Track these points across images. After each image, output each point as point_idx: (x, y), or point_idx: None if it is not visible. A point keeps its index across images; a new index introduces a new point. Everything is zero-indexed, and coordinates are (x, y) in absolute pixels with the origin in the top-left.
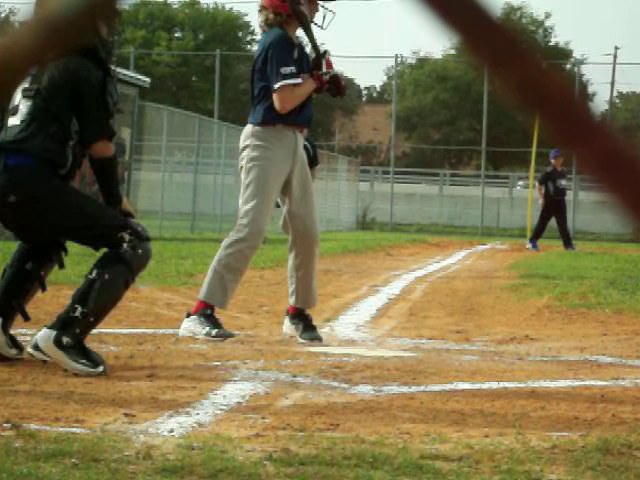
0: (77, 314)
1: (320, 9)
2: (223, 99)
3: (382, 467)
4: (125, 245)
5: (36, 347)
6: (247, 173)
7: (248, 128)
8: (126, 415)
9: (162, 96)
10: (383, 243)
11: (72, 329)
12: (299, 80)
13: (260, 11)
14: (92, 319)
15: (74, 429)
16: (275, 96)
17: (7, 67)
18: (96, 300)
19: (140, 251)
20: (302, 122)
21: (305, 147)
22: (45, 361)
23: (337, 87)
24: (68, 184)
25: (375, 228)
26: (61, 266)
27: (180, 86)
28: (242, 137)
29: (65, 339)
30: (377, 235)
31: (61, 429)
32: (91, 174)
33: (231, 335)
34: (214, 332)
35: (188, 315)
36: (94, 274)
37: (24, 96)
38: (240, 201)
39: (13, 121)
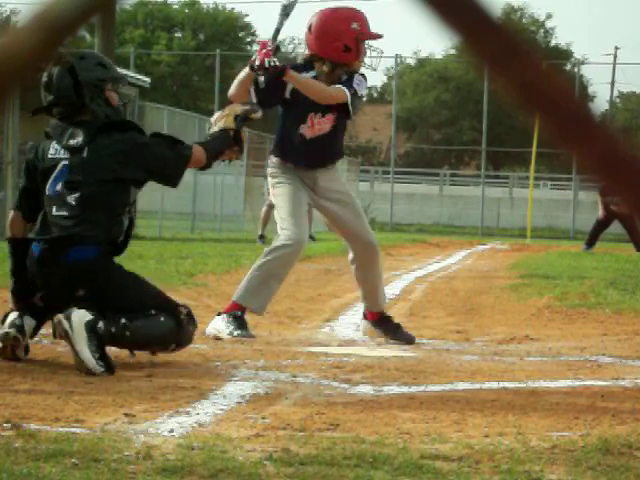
0: (121, 320)
1: (367, 51)
2: (223, 99)
3: (382, 467)
4: (182, 316)
5: (68, 317)
6: (275, 197)
7: (270, 159)
8: (126, 415)
9: (162, 96)
10: (383, 243)
11: (109, 326)
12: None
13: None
14: (128, 334)
15: (74, 429)
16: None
17: (7, 67)
18: (142, 325)
19: (191, 328)
20: (308, 166)
21: None
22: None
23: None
24: (124, 269)
25: (375, 228)
26: None
27: (180, 86)
28: (268, 166)
29: (98, 326)
30: (377, 235)
31: (61, 429)
32: None
33: (252, 337)
34: (236, 332)
35: (219, 314)
36: (154, 311)
37: (67, 188)
38: (276, 214)
39: (60, 212)
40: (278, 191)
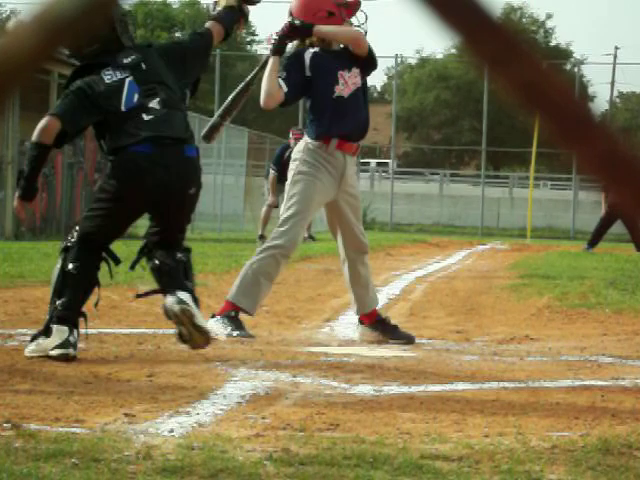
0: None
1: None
2: (223, 99)
3: (382, 467)
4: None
5: (180, 299)
6: (293, 185)
7: (302, 142)
8: (126, 415)
9: None
10: (383, 243)
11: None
12: (282, 84)
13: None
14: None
15: (74, 429)
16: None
17: (7, 67)
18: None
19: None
20: (352, 135)
21: None
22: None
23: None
24: None
25: (375, 228)
26: (117, 261)
27: None
28: (296, 149)
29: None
30: (377, 235)
31: (61, 429)
32: (92, 174)
33: (252, 337)
34: (235, 333)
35: (213, 316)
36: (180, 255)
37: (146, 96)
38: (281, 209)
39: (150, 116)
40: (299, 182)
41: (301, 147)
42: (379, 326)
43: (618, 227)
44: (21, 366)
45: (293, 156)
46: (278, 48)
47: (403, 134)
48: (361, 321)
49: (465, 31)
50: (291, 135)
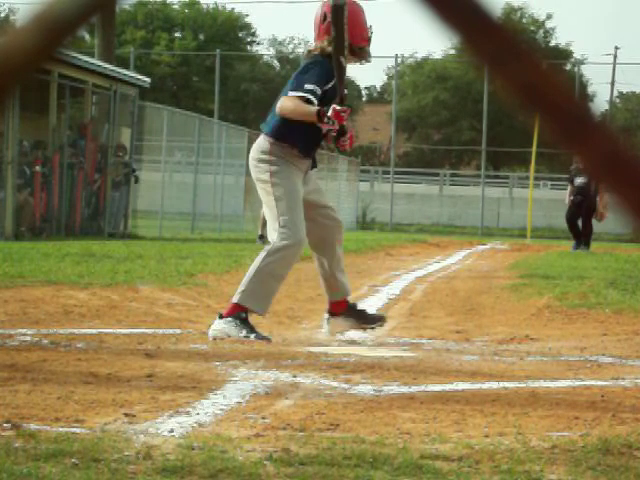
0: None
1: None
2: (223, 99)
3: (382, 467)
4: None
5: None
6: (274, 187)
7: (265, 141)
8: (126, 415)
9: (162, 96)
10: (383, 243)
11: None
12: (314, 100)
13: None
14: None
15: (74, 429)
16: (283, 98)
17: (7, 67)
18: None
19: None
20: (309, 157)
21: None
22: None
23: (340, 136)
24: None
25: (375, 228)
26: None
27: (180, 86)
28: (258, 148)
29: None
30: (377, 235)
31: (61, 429)
32: (92, 174)
33: (269, 340)
34: (253, 336)
35: (220, 317)
36: None
37: None
38: (271, 212)
39: None
40: (284, 188)
41: (266, 147)
42: (351, 313)
43: (618, 227)
44: (21, 366)
45: (258, 156)
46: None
47: (403, 134)
48: (332, 313)
49: (465, 31)
50: None
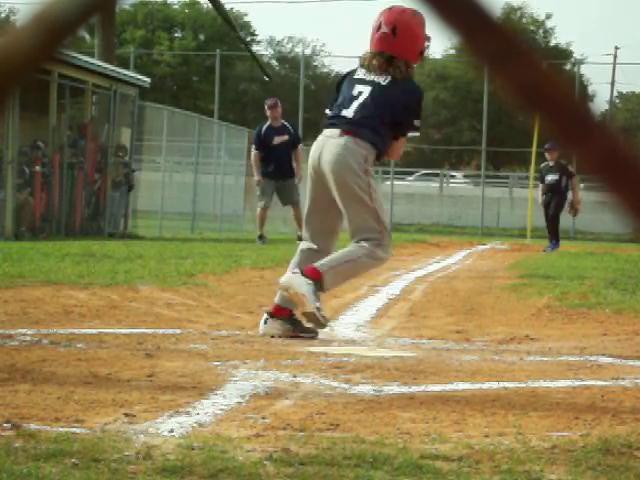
0: None
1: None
2: (223, 99)
3: (382, 467)
4: None
5: None
6: (371, 196)
7: (371, 151)
8: (126, 415)
9: (162, 96)
10: None
11: None
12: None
13: (393, 61)
14: None
15: (74, 429)
16: (403, 140)
17: (7, 67)
18: None
19: None
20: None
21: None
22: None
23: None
24: None
25: None
26: None
27: (180, 86)
28: (360, 157)
29: None
30: None
31: (61, 429)
32: (92, 174)
33: (328, 322)
34: (321, 314)
35: (271, 315)
36: None
37: None
38: (371, 216)
39: None
40: (378, 198)
41: (371, 158)
42: (291, 321)
43: (618, 227)
44: (21, 366)
45: (359, 165)
46: None
47: None
48: (272, 314)
49: (465, 31)
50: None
